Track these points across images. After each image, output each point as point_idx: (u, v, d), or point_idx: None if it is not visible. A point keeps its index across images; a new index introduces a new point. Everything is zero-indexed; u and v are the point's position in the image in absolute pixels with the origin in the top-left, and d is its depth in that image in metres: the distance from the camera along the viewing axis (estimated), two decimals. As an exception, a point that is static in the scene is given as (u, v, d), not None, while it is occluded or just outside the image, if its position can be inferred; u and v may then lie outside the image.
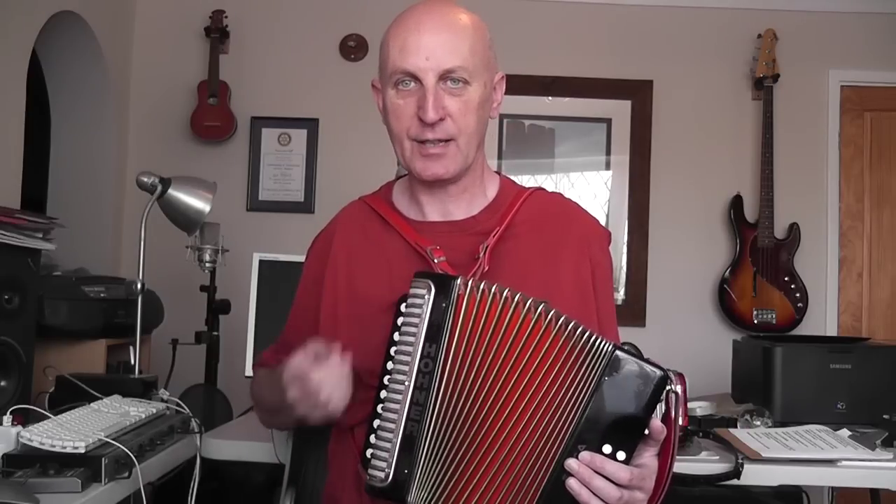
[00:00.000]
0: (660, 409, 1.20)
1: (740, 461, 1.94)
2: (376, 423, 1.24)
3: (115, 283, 2.58)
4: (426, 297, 1.22)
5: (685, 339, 3.67)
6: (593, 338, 1.20)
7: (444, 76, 1.33)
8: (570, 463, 1.18)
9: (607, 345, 1.19)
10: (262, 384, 1.51)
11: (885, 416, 2.20)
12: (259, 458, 1.99)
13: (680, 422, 1.88)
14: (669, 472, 1.23)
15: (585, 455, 1.17)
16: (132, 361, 2.24)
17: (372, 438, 1.24)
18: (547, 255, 1.41)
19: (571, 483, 1.17)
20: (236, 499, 2.61)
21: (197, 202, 2.38)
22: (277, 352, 1.56)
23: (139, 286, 2.22)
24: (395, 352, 1.24)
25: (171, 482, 1.88)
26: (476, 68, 1.35)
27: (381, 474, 1.20)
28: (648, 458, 1.21)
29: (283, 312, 1.57)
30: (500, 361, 1.20)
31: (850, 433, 2.16)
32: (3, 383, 1.85)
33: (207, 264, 2.81)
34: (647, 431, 1.19)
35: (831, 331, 3.78)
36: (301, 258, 1.56)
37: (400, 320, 1.26)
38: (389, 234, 1.44)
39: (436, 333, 1.21)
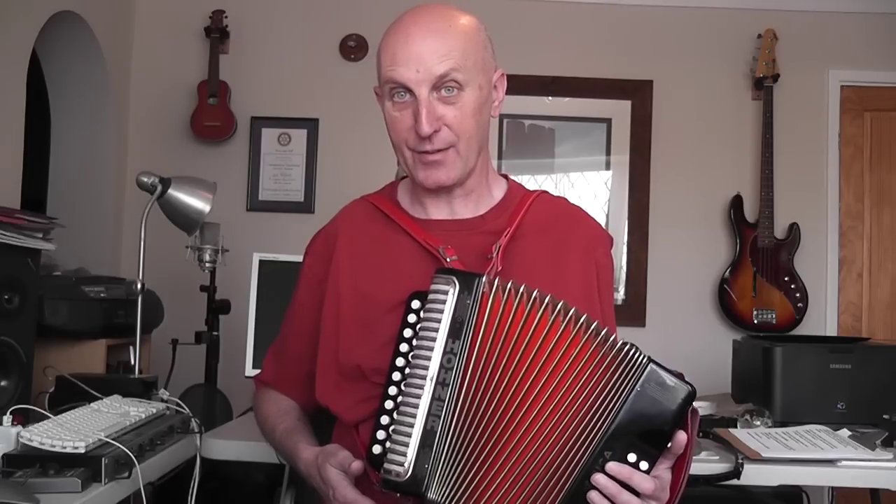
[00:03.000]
0: None
1: (740, 461, 1.94)
2: (385, 419, 1.23)
3: (115, 283, 2.58)
4: (450, 292, 1.21)
5: (685, 339, 3.67)
6: (626, 347, 1.19)
7: (437, 84, 1.30)
8: (599, 479, 1.16)
9: (641, 356, 1.19)
10: (279, 447, 1.51)
11: (885, 416, 2.20)
12: (259, 458, 1.99)
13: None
14: (681, 487, 1.23)
15: (613, 466, 1.16)
16: (132, 361, 2.24)
17: (380, 434, 1.23)
18: (554, 257, 1.41)
19: (593, 497, 1.16)
20: (236, 499, 2.61)
21: (197, 202, 2.38)
22: (278, 360, 1.56)
23: (139, 286, 2.21)
24: (413, 346, 1.23)
25: (171, 482, 1.88)
26: (469, 71, 1.32)
27: (401, 469, 1.18)
28: (662, 470, 1.21)
29: (283, 312, 1.56)
30: (527, 362, 1.19)
31: (850, 433, 2.16)
32: (3, 383, 1.84)
33: (207, 264, 2.81)
34: (669, 445, 1.19)
35: (831, 331, 3.78)
36: (301, 258, 1.55)
37: (412, 317, 1.25)
38: (395, 232, 1.43)
39: (459, 330, 1.20)
